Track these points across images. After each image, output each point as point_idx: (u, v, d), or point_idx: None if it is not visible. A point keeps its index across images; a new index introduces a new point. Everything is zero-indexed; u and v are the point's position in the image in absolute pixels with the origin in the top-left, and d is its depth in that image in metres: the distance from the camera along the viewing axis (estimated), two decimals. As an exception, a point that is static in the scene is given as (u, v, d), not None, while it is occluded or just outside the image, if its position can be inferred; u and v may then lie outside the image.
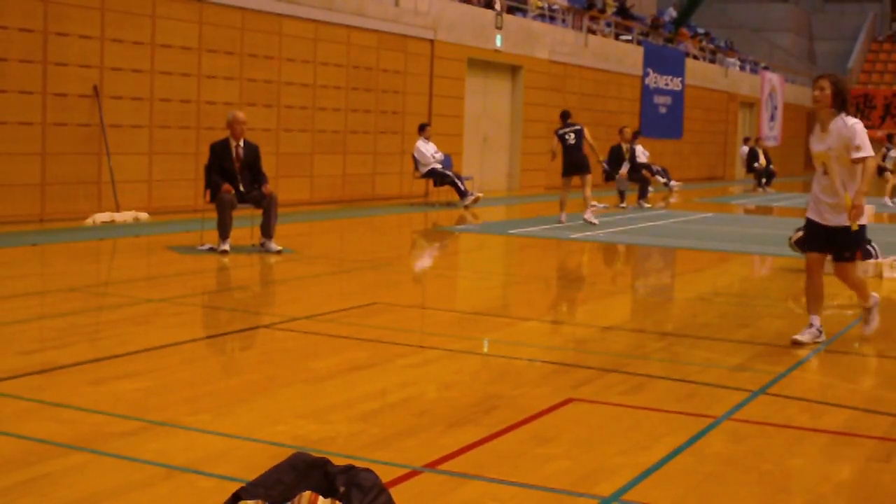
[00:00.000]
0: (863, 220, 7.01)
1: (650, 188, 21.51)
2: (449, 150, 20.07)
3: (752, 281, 11.25)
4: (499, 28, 22.60)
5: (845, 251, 7.07)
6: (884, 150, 25.70)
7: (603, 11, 29.39)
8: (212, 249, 10.94)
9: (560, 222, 15.72)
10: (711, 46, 37.38)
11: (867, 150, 6.89)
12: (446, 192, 19.23)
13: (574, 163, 15.91)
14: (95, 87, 13.83)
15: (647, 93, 29.97)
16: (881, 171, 25.49)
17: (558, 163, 16.49)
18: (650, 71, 30.08)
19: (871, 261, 10.97)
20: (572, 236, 14.07)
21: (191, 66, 15.26)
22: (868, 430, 5.09)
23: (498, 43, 22.61)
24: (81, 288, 8.57)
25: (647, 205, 20.54)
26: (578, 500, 3.99)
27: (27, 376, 5.59)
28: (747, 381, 6.05)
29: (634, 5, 34.48)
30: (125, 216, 13.79)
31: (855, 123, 6.89)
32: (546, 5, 25.75)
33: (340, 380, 5.76)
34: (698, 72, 33.68)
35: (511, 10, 23.84)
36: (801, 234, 9.30)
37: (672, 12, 37.22)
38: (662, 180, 25.70)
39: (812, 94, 7.11)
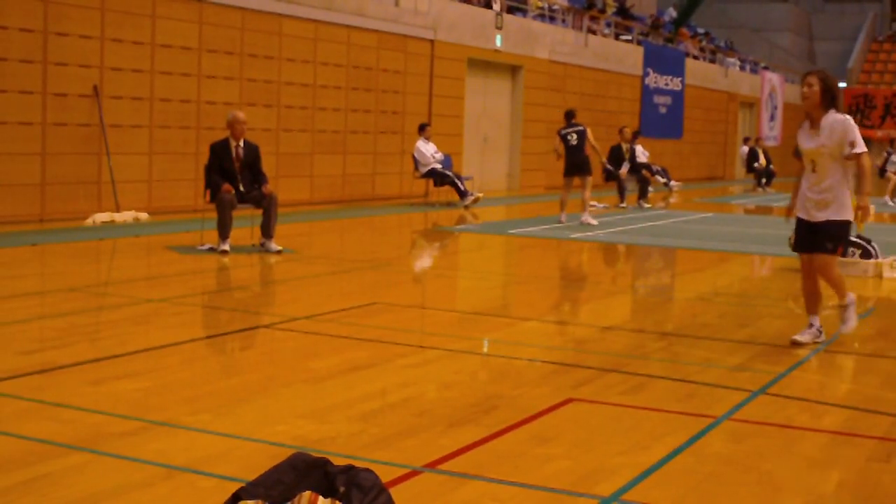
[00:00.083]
0: (849, 216, 6.98)
1: (650, 188, 21.52)
2: (449, 150, 20.07)
3: (752, 281, 11.25)
4: (499, 28, 22.60)
5: (827, 242, 6.99)
6: (885, 154, 25.71)
7: (603, 11, 29.39)
8: (212, 249, 10.94)
9: (560, 222, 15.73)
10: (711, 46, 37.38)
11: (862, 146, 6.90)
12: (446, 192, 19.23)
13: (575, 163, 15.93)
14: (95, 87, 13.83)
15: (647, 93, 29.97)
16: (882, 171, 25.51)
17: (559, 163, 16.50)
18: (650, 71, 30.08)
19: (872, 261, 10.97)
20: (572, 236, 14.07)
21: (191, 66, 15.26)
22: (868, 430, 5.09)
23: (498, 43, 22.61)
24: (81, 288, 8.57)
25: (647, 205, 20.54)
26: (578, 500, 3.99)
27: (27, 376, 5.59)
28: (747, 381, 6.05)
29: (634, 5, 34.48)
30: (125, 216, 13.79)
31: (846, 120, 6.88)
32: (546, 5, 25.75)
33: (340, 380, 5.76)
34: (698, 72, 33.68)
35: (511, 10, 23.84)
36: None
37: (672, 12, 37.21)
38: (662, 180, 25.70)
39: (801, 91, 7.08)
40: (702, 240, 14.42)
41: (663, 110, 31.14)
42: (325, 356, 6.40)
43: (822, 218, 6.97)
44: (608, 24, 29.16)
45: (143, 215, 14.10)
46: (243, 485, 3.47)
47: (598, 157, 17.66)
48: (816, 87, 6.87)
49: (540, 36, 24.35)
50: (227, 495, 3.47)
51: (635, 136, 22.20)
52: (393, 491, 3.65)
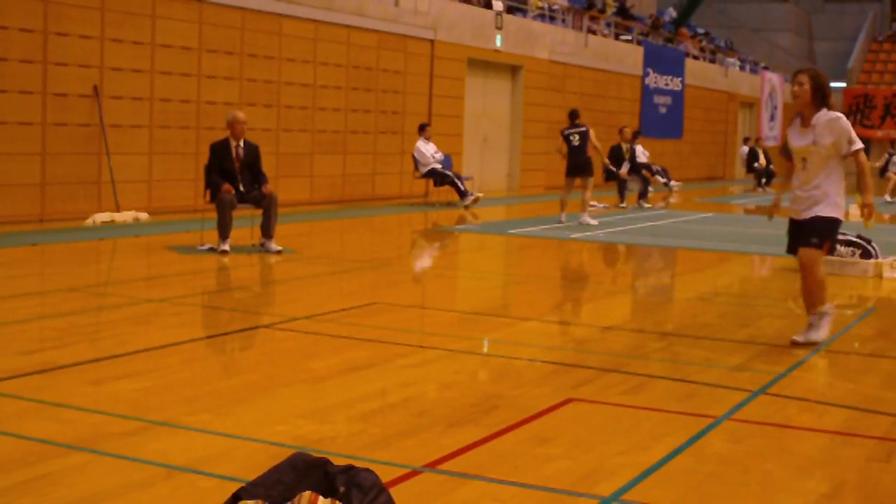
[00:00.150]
0: (836, 214, 6.94)
1: (650, 188, 21.52)
2: (449, 150, 20.07)
3: (752, 281, 11.25)
4: (499, 28, 22.60)
5: (813, 237, 6.95)
6: (886, 155, 25.70)
7: (603, 11, 29.39)
8: (212, 249, 10.94)
9: (560, 222, 15.73)
10: (711, 46, 37.38)
11: (859, 143, 6.91)
12: (446, 192, 19.23)
13: (577, 164, 15.96)
14: (95, 87, 13.83)
15: (647, 93, 29.97)
16: (883, 171, 25.53)
17: (560, 163, 16.52)
18: (650, 71, 30.08)
19: (871, 261, 10.97)
20: (572, 236, 14.07)
21: (191, 66, 15.26)
22: (868, 430, 5.09)
23: (498, 43, 22.61)
24: (81, 288, 8.57)
25: (647, 205, 20.55)
26: (578, 500, 3.99)
27: (27, 376, 5.59)
28: (747, 381, 6.05)
29: (634, 5, 34.48)
30: (125, 216, 13.79)
31: (840, 118, 6.86)
32: (546, 5, 25.75)
33: (340, 380, 5.76)
34: (698, 72, 33.68)
35: (511, 10, 23.84)
36: None
37: (672, 12, 37.22)
38: (662, 180, 25.70)
39: (791, 89, 7.06)
40: (702, 240, 14.42)
41: (663, 110, 31.14)
42: (325, 356, 6.40)
43: (809, 215, 6.97)
44: (608, 24, 29.16)
45: (143, 215, 14.10)
46: (243, 485, 3.47)
47: (600, 157, 17.70)
48: (807, 86, 6.85)
49: (540, 36, 24.35)
50: (227, 495, 3.47)
51: (635, 136, 22.20)
52: (393, 491, 3.65)
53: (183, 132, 15.21)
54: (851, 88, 46.95)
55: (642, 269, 12.12)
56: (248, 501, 3.38)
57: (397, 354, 6.44)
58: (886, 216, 20.04)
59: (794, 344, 7.09)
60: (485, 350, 6.90)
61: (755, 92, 38.83)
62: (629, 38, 30.26)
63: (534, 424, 4.99)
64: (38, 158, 13.25)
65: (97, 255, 11.07)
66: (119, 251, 11.49)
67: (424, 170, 18.63)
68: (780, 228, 7.35)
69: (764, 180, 28.96)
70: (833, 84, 49.23)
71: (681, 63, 32.14)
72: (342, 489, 3.43)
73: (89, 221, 13.31)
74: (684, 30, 36.10)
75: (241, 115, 11.23)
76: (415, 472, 4.21)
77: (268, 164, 13.37)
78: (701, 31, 39.22)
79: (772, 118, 40.26)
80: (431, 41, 20.51)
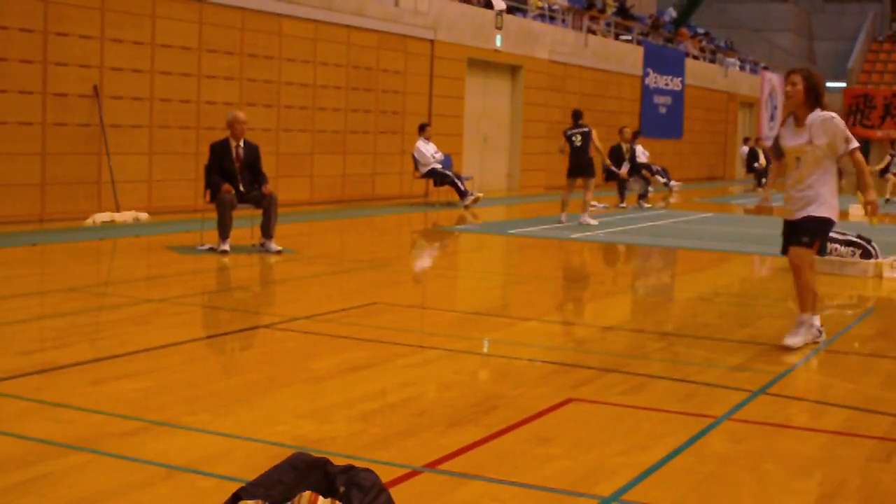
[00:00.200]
0: (829, 214, 6.90)
1: (650, 188, 21.52)
2: (449, 150, 20.07)
3: (752, 281, 11.25)
4: (499, 28, 22.60)
5: (803, 236, 6.92)
6: (888, 157, 25.67)
7: (603, 11, 29.39)
8: (212, 249, 10.94)
9: (560, 222, 15.74)
10: (711, 46, 37.38)
11: (855, 141, 6.90)
12: (446, 192, 19.23)
13: (579, 165, 16.00)
14: (95, 87, 13.83)
15: (647, 93, 29.97)
16: (883, 172, 25.53)
17: (561, 163, 16.53)
18: (650, 71, 30.08)
19: (872, 261, 10.97)
20: (572, 236, 14.07)
21: (191, 66, 15.26)
22: (868, 430, 5.09)
23: (498, 43, 22.61)
24: (81, 288, 8.57)
25: (647, 205, 20.55)
26: (578, 500, 3.99)
27: (27, 376, 5.59)
28: (747, 381, 6.05)
29: (634, 5, 34.48)
30: (125, 216, 13.79)
31: (834, 117, 6.84)
32: (546, 5, 25.75)
33: (340, 380, 5.76)
34: (698, 72, 33.68)
35: (511, 10, 23.83)
36: None
37: (672, 12, 37.23)
38: (662, 180, 25.70)
39: (784, 89, 7.02)
40: (702, 240, 14.42)
41: (663, 110, 31.14)
42: (325, 356, 6.40)
43: (802, 215, 6.94)
44: (608, 24, 29.16)
45: (143, 215, 14.10)
46: (243, 485, 3.47)
47: (601, 158, 17.72)
48: (800, 86, 6.83)
49: (540, 36, 24.35)
50: (227, 495, 3.47)
51: (635, 136, 22.20)
52: (393, 491, 3.65)
53: (183, 132, 15.21)
54: (851, 88, 46.93)
55: (642, 269, 12.12)
56: (248, 501, 3.38)
57: (397, 354, 6.44)
58: (886, 218, 20.04)
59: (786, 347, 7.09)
60: (485, 350, 6.90)
61: (755, 92, 38.83)
62: (629, 38, 30.27)
63: (534, 424, 4.99)
64: (38, 158, 13.25)
65: (97, 255, 11.07)
66: (119, 251, 11.49)
67: (424, 170, 18.63)
68: (779, 228, 7.34)
69: (764, 180, 28.94)
70: (833, 84, 49.26)
71: (681, 63, 32.14)
72: (342, 489, 3.43)
73: (89, 221, 13.31)
74: (684, 30, 36.10)
75: (241, 115, 11.23)
76: (415, 472, 4.21)
77: (268, 164, 13.37)
78: (701, 31, 39.22)
79: (772, 118, 40.26)
80: (431, 41, 20.51)
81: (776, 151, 7.33)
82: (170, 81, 14.92)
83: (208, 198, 11.17)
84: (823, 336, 7.25)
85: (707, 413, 5.29)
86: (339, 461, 3.62)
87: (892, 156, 25.51)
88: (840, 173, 7.26)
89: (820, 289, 10.08)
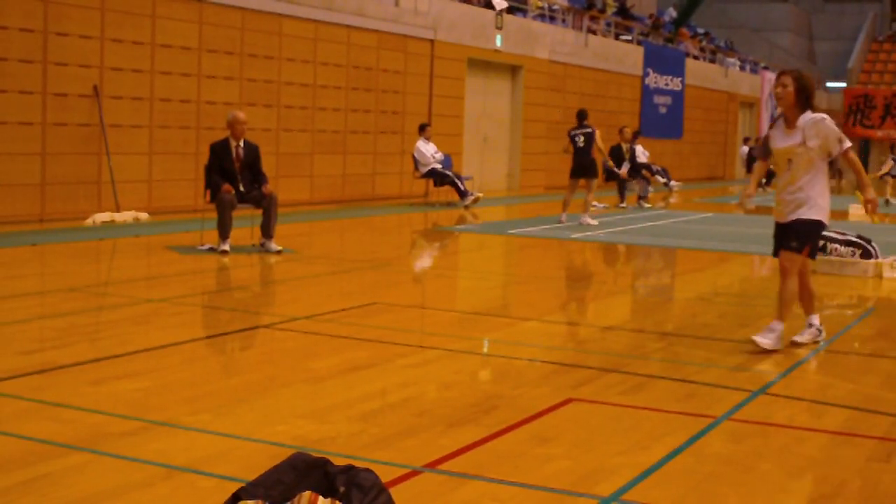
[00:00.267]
0: (819, 217, 6.85)
1: (650, 188, 21.52)
2: (449, 150, 20.07)
3: (752, 281, 11.25)
4: (499, 28, 22.60)
5: (792, 241, 6.87)
6: (892, 161, 25.63)
7: (603, 11, 29.39)
8: (212, 249, 10.94)
9: (560, 222, 15.74)
10: (711, 46, 37.39)
11: (848, 141, 6.88)
12: (446, 192, 19.24)
13: (581, 165, 16.04)
14: (95, 87, 13.83)
15: (647, 93, 29.97)
16: (883, 176, 25.53)
17: (561, 163, 16.56)
18: (650, 71, 30.08)
19: (872, 261, 10.97)
20: (572, 236, 14.07)
21: (191, 66, 15.26)
22: (868, 430, 5.09)
23: (498, 43, 22.62)
24: (81, 288, 8.57)
25: (647, 205, 20.55)
26: (578, 500, 3.99)
27: (27, 376, 5.59)
28: (747, 381, 6.05)
29: (634, 5, 34.49)
30: (125, 216, 13.79)
31: (825, 119, 6.80)
32: (546, 5, 25.75)
33: (340, 380, 5.76)
34: (698, 72, 33.68)
35: (511, 10, 23.84)
36: None
37: (672, 12, 37.23)
38: (662, 180, 25.71)
39: (774, 91, 6.97)
40: (702, 240, 14.42)
41: (663, 110, 31.14)
42: (325, 356, 6.40)
43: (792, 218, 6.90)
44: (608, 24, 29.16)
45: (143, 215, 14.10)
46: (243, 485, 3.47)
47: (604, 157, 17.76)
48: (791, 88, 6.77)
49: (540, 36, 24.35)
50: (227, 495, 3.47)
51: (635, 136, 22.21)
52: (393, 491, 3.65)
53: (183, 132, 15.21)
54: (851, 88, 46.93)
55: (642, 269, 12.12)
56: (248, 501, 3.38)
57: (397, 354, 6.44)
58: (887, 218, 20.05)
59: (794, 344, 7.09)
60: (485, 350, 6.90)
61: (755, 92, 38.83)
62: (629, 38, 30.27)
63: (534, 424, 4.99)
64: (38, 158, 13.25)
65: (97, 255, 11.07)
66: (119, 251, 11.49)
67: (424, 170, 18.63)
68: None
69: (764, 180, 28.94)
70: (833, 84, 49.25)
71: (681, 63, 32.14)
72: (342, 489, 3.43)
73: (89, 221, 13.31)
74: (684, 30, 36.10)
75: (241, 115, 11.23)
76: (415, 472, 4.21)
77: (268, 164, 13.37)
78: (701, 31, 39.23)
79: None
80: (431, 41, 20.52)
81: (763, 152, 7.26)
82: (170, 81, 14.92)
83: (208, 198, 11.17)
84: (823, 335, 7.25)
85: (707, 413, 5.29)
86: (339, 461, 3.62)
87: (894, 161, 25.49)
88: (840, 174, 7.25)
89: (820, 289, 10.10)
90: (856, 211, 18.29)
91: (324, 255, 11.72)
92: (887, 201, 24.02)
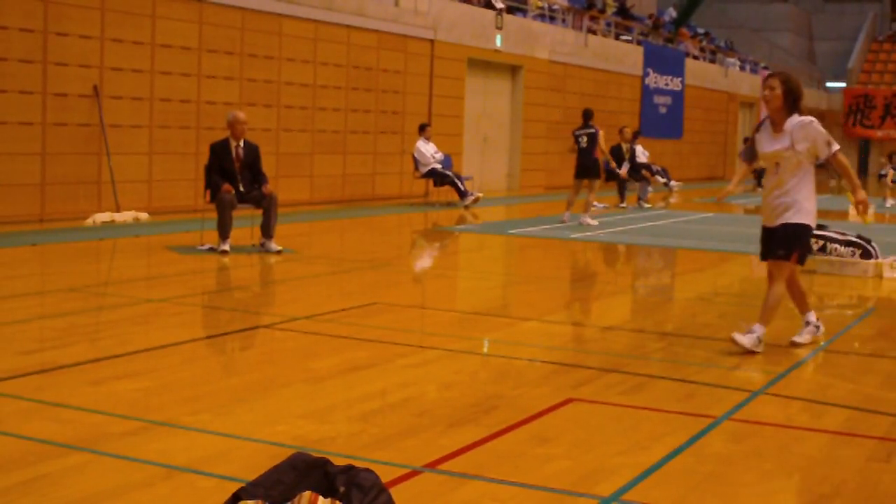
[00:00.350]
0: (806, 220, 6.81)
1: (650, 188, 21.52)
2: (449, 150, 20.07)
3: (752, 281, 11.24)
4: (499, 28, 22.60)
5: (780, 248, 6.83)
6: (892, 170, 25.62)
7: (603, 11, 29.39)
8: (212, 249, 10.94)
9: (562, 222, 15.76)
10: (711, 46, 37.39)
11: (836, 143, 6.86)
12: (446, 192, 19.23)
13: (584, 165, 16.10)
14: (95, 87, 13.83)
15: (647, 93, 29.97)
16: (882, 176, 25.56)
17: (561, 163, 16.58)
18: (650, 71, 30.08)
19: (872, 261, 10.97)
20: (572, 236, 14.07)
21: (191, 66, 15.26)
22: (868, 430, 5.09)
23: (498, 43, 22.61)
24: (81, 288, 8.57)
25: (647, 205, 20.55)
26: (578, 500, 3.99)
27: (27, 376, 5.59)
28: (747, 382, 6.05)
29: (634, 5, 34.48)
30: (125, 216, 13.79)
31: (813, 122, 6.75)
32: (546, 5, 25.75)
33: (340, 380, 5.76)
34: (698, 72, 33.68)
35: (511, 10, 23.83)
36: None
37: (672, 12, 37.22)
38: (662, 180, 25.70)
39: (762, 93, 6.89)
40: (702, 240, 14.42)
41: (663, 110, 31.14)
42: (325, 356, 6.40)
43: (779, 222, 6.86)
44: (608, 24, 29.16)
45: (143, 215, 14.10)
46: (243, 485, 3.47)
47: (605, 157, 17.80)
48: (779, 90, 6.71)
49: (540, 36, 24.35)
50: (227, 495, 3.48)
51: (635, 136, 22.21)
52: (393, 491, 3.65)
53: (183, 132, 15.21)
54: (851, 88, 46.94)
55: (642, 269, 12.12)
56: (248, 501, 3.38)
57: (397, 354, 6.44)
58: (885, 218, 20.05)
59: (794, 345, 7.09)
60: (485, 350, 6.90)
61: (755, 92, 38.80)
62: (629, 38, 30.27)
63: (534, 424, 4.99)
64: (38, 158, 13.25)
65: (97, 255, 11.07)
66: (119, 251, 11.49)
67: (424, 170, 18.63)
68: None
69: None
70: (833, 84, 49.23)
71: (681, 63, 32.14)
72: (342, 489, 3.43)
73: (89, 221, 13.31)
74: (684, 30, 36.10)
75: (241, 115, 11.23)
76: (415, 472, 4.21)
77: (268, 164, 13.36)
78: (701, 31, 39.23)
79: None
80: (431, 41, 20.52)
81: (748, 155, 7.21)
82: (170, 81, 14.92)
83: (208, 198, 11.17)
84: (822, 329, 7.24)
85: (707, 413, 5.29)
86: (339, 461, 3.62)
87: (893, 169, 25.49)
88: (839, 174, 7.22)
89: (820, 289, 10.11)
90: (853, 211, 18.28)
91: (324, 255, 11.72)
92: (886, 200, 24.02)
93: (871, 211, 7.07)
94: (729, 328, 7.80)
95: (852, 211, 18.17)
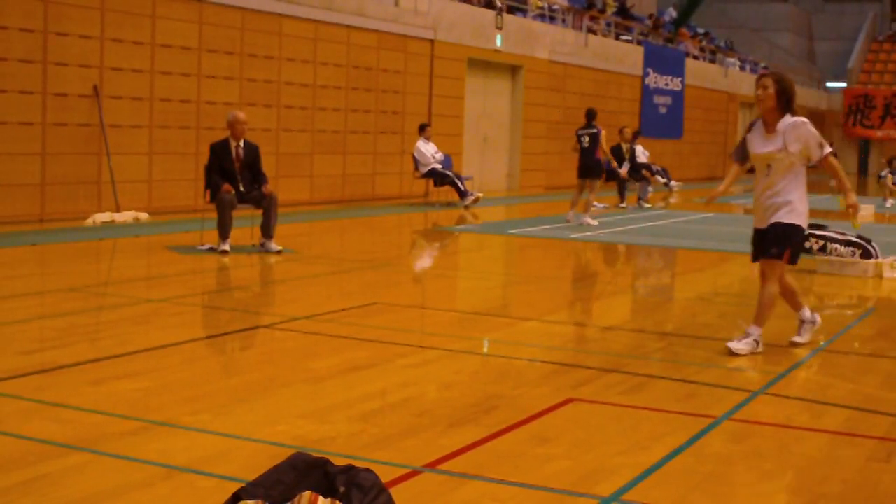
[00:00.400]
0: (798, 221, 6.77)
1: (650, 188, 21.52)
2: (449, 150, 20.07)
3: (752, 281, 11.23)
4: (499, 28, 22.60)
5: (772, 247, 6.80)
6: (890, 176, 25.61)
7: (603, 11, 29.39)
8: (212, 249, 10.94)
9: (566, 221, 15.78)
10: (711, 46, 37.39)
11: (828, 146, 6.84)
12: (446, 192, 19.23)
13: (585, 165, 16.13)
14: (95, 87, 13.83)
15: (647, 93, 29.97)
16: (881, 176, 25.56)
17: (561, 163, 16.59)
18: (650, 71, 30.08)
19: (872, 261, 10.97)
20: (572, 236, 14.07)
21: (191, 66, 15.26)
22: (868, 430, 5.09)
23: (498, 43, 22.61)
24: (81, 288, 8.57)
25: (647, 205, 20.56)
26: (578, 500, 3.99)
27: (27, 376, 5.59)
28: (747, 381, 6.05)
29: (634, 5, 34.49)
30: (125, 216, 13.79)
31: (805, 123, 6.71)
32: (546, 5, 25.75)
33: (340, 380, 5.76)
34: (698, 72, 33.68)
35: (511, 9, 23.84)
36: None
37: (672, 12, 37.23)
38: (662, 180, 25.70)
39: (755, 93, 6.84)
40: (702, 240, 14.42)
41: (663, 110, 31.14)
42: (325, 356, 6.40)
43: (770, 222, 6.83)
44: (608, 24, 29.16)
45: (143, 215, 14.10)
46: (243, 485, 3.47)
47: (607, 157, 17.83)
48: (772, 90, 6.67)
49: (540, 36, 24.35)
50: (227, 495, 3.47)
51: (635, 136, 22.21)
52: (393, 491, 3.65)
53: (183, 132, 15.21)
54: (851, 88, 46.94)
55: (642, 269, 12.12)
56: (248, 501, 3.38)
57: (397, 354, 6.44)
58: (887, 216, 20.05)
59: (794, 344, 7.09)
60: (485, 350, 6.90)
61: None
62: (629, 38, 30.27)
63: (534, 424, 4.99)
64: (38, 158, 13.25)
65: (97, 255, 11.07)
66: (119, 251, 11.49)
67: (424, 170, 18.63)
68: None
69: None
70: (833, 84, 49.21)
71: (681, 63, 32.15)
72: (342, 489, 3.43)
73: (89, 221, 13.31)
74: (684, 30, 36.10)
75: (241, 115, 11.23)
76: (415, 472, 4.21)
77: (268, 164, 13.37)
78: (701, 31, 39.23)
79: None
80: (431, 41, 20.52)
81: (740, 155, 7.14)
82: (170, 81, 14.92)
83: (208, 198, 11.17)
84: (819, 321, 7.22)
85: (707, 413, 5.29)
86: (339, 461, 3.62)
87: (892, 173, 25.48)
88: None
89: (820, 289, 10.11)
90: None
91: (324, 255, 11.72)
92: (885, 199, 24.03)
93: (860, 214, 7.02)
94: (729, 328, 7.81)
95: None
